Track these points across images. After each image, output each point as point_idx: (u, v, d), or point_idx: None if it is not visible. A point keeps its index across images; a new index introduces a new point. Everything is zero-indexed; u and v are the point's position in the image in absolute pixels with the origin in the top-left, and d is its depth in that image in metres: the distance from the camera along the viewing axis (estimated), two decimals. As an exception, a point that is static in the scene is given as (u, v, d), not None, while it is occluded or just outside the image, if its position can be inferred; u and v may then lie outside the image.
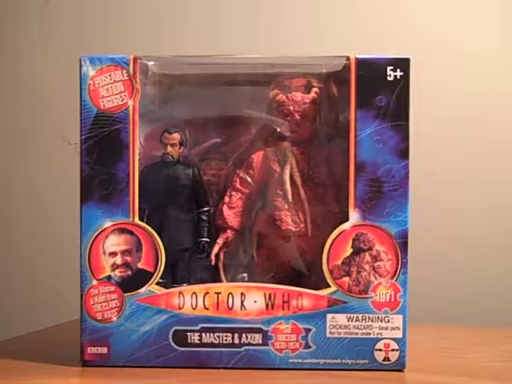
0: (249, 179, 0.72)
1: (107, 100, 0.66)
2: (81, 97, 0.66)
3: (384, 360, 0.66)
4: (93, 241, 0.66)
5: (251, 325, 0.66)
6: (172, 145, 0.70)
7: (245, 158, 0.72)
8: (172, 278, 0.69)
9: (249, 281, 0.70)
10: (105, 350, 0.66)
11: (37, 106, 1.15)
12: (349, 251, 0.66)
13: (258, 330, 0.66)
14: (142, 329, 0.66)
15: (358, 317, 0.66)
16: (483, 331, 0.89)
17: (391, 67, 0.65)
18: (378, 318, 0.66)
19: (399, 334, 0.66)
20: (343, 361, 0.66)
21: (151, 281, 0.66)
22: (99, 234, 0.66)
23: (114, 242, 0.66)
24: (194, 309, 0.66)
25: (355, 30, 1.07)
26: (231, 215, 0.71)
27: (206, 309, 0.66)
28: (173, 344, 0.66)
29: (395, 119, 0.66)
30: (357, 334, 0.66)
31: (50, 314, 1.02)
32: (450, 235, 1.06)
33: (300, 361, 0.66)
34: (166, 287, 0.67)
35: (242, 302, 0.66)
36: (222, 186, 0.73)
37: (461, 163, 1.06)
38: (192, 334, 0.66)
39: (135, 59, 0.67)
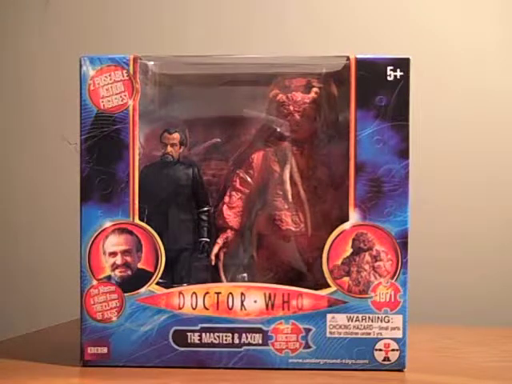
0: (249, 179, 0.72)
1: (107, 100, 0.66)
2: (81, 97, 0.66)
3: (384, 360, 0.66)
4: (93, 241, 0.66)
5: (251, 325, 0.66)
6: (172, 145, 0.70)
7: (245, 158, 0.72)
8: (172, 278, 0.69)
9: (249, 281, 0.70)
10: (105, 349, 0.66)
11: (37, 105, 1.15)
12: (349, 251, 0.66)
13: (258, 330, 0.66)
14: (142, 329, 0.66)
15: (358, 317, 0.66)
16: (483, 331, 0.89)
17: (391, 67, 0.65)
18: (378, 317, 0.66)
19: (399, 334, 0.66)
20: (343, 361, 0.66)
21: (151, 281, 0.66)
22: (99, 234, 0.66)
23: (114, 242, 0.66)
24: (194, 309, 0.66)
25: (355, 30, 1.07)
26: (231, 215, 0.71)
27: (206, 309, 0.66)
28: (173, 344, 0.66)
29: (395, 119, 0.66)
30: (357, 334, 0.66)
31: (50, 314, 1.02)
32: (450, 235, 1.06)
33: (300, 361, 0.66)
34: (166, 287, 0.67)
35: (242, 302, 0.66)
36: (222, 186, 0.73)
37: (461, 163, 1.06)
38: (192, 334, 0.66)
39: (135, 59, 0.67)
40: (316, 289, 0.66)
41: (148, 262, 0.66)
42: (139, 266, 0.66)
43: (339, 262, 0.66)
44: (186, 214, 0.70)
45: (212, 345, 0.66)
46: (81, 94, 0.66)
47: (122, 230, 0.66)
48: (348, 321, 0.66)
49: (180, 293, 0.66)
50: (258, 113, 0.72)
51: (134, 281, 0.66)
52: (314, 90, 0.70)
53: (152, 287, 0.66)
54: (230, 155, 0.73)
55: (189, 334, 0.66)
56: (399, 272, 0.66)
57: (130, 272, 0.66)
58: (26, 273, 1.16)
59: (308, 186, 0.70)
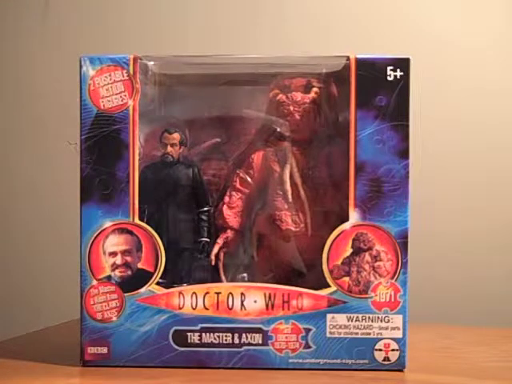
0: (249, 179, 0.72)
1: (107, 100, 0.66)
2: (81, 97, 0.66)
3: (384, 360, 0.66)
4: (93, 241, 0.66)
5: (251, 325, 0.66)
6: (172, 145, 0.70)
7: (245, 158, 0.72)
8: (172, 278, 0.69)
9: (249, 281, 0.70)
10: (105, 349, 0.66)
11: (37, 105, 1.15)
12: (349, 251, 0.66)
13: (258, 330, 0.66)
14: (142, 329, 0.66)
15: (358, 317, 0.66)
16: (483, 331, 0.89)
17: (391, 67, 0.65)
18: (378, 317, 0.66)
19: (399, 334, 0.66)
20: (343, 361, 0.66)
21: (151, 281, 0.66)
22: (99, 234, 0.66)
23: (114, 242, 0.66)
24: (193, 309, 0.66)
25: (355, 30, 1.07)
26: (231, 215, 0.71)
27: (206, 309, 0.66)
28: (173, 344, 0.66)
29: (395, 119, 0.66)
30: (357, 333, 0.66)
31: (50, 314, 1.02)
32: (450, 235, 1.06)
33: (300, 361, 0.66)
34: (166, 287, 0.67)
35: (241, 302, 0.66)
36: (222, 186, 0.73)
37: (461, 163, 1.06)
38: (192, 334, 0.66)
39: (135, 59, 0.67)
40: (316, 289, 0.66)
41: (148, 262, 0.66)
42: (139, 266, 0.66)
43: (339, 262, 0.66)
44: (185, 213, 0.70)
45: (212, 345, 0.66)
46: (81, 94, 0.66)
47: (122, 230, 0.66)
48: (348, 321, 0.66)
49: (180, 293, 0.66)
50: (257, 113, 0.72)
51: (134, 281, 0.66)
52: (314, 90, 0.70)
53: (152, 287, 0.66)
54: (229, 155, 0.73)
55: (189, 333, 0.66)
56: (399, 272, 0.66)
57: (130, 272, 0.66)
58: (26, 273, 1.16)
59: (308, 186, 0.70)
